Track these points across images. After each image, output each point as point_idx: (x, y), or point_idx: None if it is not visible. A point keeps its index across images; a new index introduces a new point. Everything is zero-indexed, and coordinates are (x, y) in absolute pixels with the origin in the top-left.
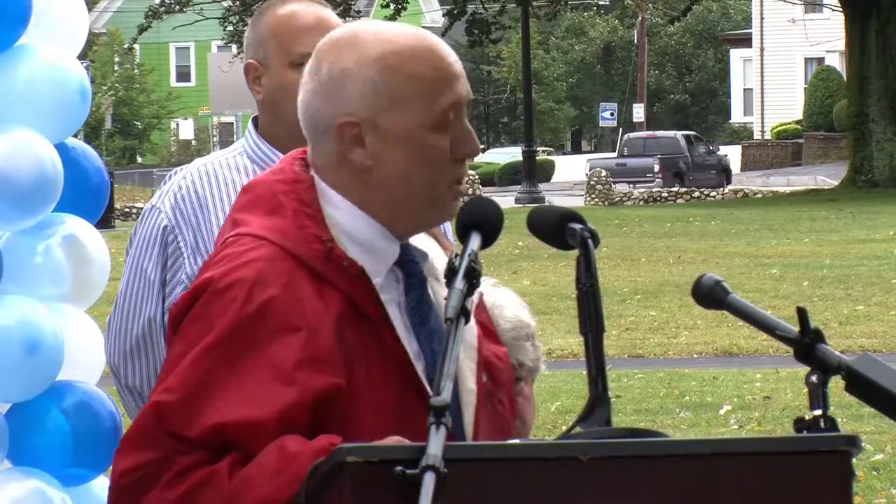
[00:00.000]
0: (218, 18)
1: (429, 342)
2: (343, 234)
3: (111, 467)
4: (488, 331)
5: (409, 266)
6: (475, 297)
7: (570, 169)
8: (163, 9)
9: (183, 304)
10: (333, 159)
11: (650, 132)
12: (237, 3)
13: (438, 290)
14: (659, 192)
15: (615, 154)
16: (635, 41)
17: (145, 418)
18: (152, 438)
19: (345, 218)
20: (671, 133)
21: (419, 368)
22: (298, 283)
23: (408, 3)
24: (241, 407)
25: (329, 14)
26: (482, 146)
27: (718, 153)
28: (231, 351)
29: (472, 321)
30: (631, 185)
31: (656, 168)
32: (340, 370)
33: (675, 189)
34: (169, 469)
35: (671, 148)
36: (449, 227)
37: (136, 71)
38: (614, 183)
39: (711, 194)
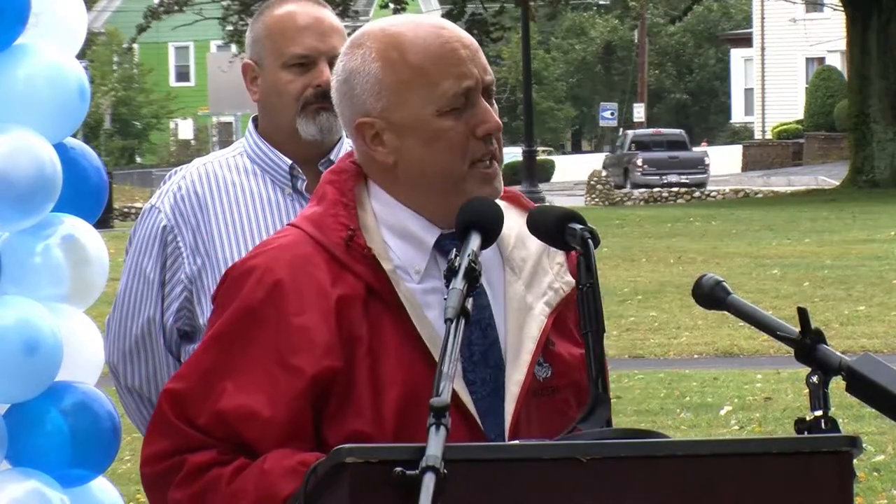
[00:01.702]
0: (217, 18)
1: (467, 333)
2: (383, 224)
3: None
4: (569, 330)
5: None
6: (566, 289)
7: (570, 169)
8: (161, 9)
9: (214, 292)
10: (365, 158)
11: (655, 129)
12: (236, 2)
13: (511, 280)
14: (659, 192)
15: (610, 152)
16: (636, 41)
17: (161, 406)
18: (168, 426)
19: (383, 210)
20: (676, 130)
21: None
22: (312, 267)
23: (407, 3)
24: (240, 394)
25: (327, 14)
26: None
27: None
28: (236, 337)
29: (541, 310)
30: (682, 177)
31: (706, 161)
32: (338, 353)
33: (675, 189)
34: (182, 467)
35: (679, 144)
36: None
37: (135, 71)
38: (666, 175)
39: (712, 194)
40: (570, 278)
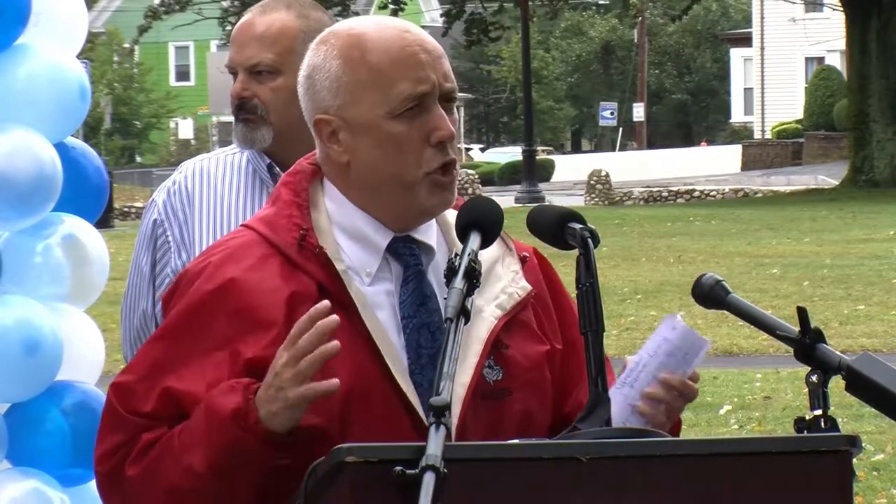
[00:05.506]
0: (217, 18)
1: (415, 337)
2: (336, 224)
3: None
4: (530, 330)
5: (407, 259)
6: (521, 293)
7: (570, 169)
8: (162, 9)
9: (167, 294)
10: (322, 156)
11: None
12: (235, 3)
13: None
14: (659, 191)
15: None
16: (635, 40)
17: (109, 401)
18: (118, 420)
19: (337, 210)
20: None
21: (399, 360)
22: (266, 267)
23: (406, 2)
24: (186, 380)
25: (269, 21)
26: (482, 146)
27: None
28: (185, 330)
29: (492, 313)
30: None
31: None
32: (280, 344)
33: (675, 188)
34: (135, 446)
35: None
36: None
37: (135, 70)
38: None
39: (712, 193)
40: (525, 284)
